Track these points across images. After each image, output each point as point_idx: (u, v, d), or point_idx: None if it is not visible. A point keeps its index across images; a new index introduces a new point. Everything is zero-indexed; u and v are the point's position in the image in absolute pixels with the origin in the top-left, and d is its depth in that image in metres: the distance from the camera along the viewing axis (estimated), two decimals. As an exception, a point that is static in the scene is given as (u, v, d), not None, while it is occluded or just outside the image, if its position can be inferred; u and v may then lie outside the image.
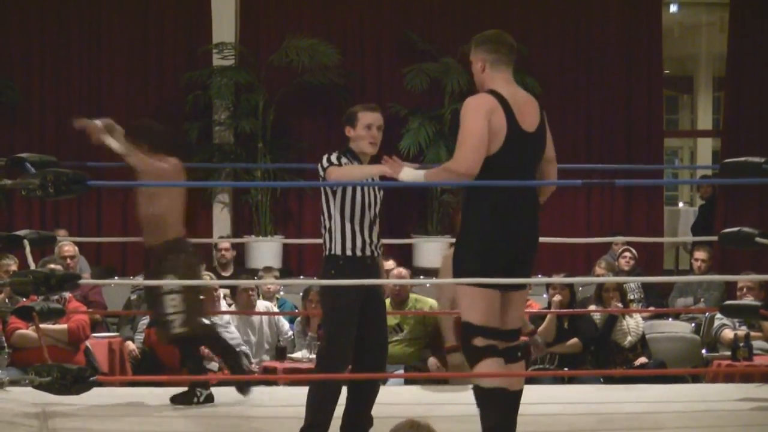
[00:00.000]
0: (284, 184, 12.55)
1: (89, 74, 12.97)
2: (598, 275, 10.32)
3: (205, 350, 8.37)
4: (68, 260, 9.79)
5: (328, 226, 5.76)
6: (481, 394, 5.17)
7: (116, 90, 12.94)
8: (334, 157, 5.75)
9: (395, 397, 6.67)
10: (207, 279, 9.25)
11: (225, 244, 11.27)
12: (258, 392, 7.48)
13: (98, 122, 6.83)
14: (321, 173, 5.76)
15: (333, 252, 5.74)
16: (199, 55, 12.76)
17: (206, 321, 7.12)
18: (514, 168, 5.12)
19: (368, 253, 5.77)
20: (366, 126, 5.75)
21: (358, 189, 5.73)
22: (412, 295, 9.21)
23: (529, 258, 5.23)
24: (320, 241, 5.84)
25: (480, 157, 5.02)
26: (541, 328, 8.79)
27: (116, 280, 11.53)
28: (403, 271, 9.63)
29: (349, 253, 5.73)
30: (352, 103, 12.83)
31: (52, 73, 12.95)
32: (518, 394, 5.27)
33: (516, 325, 5.30)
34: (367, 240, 5.76)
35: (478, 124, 5.02)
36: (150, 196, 6.84)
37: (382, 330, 5.94)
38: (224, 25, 12.86)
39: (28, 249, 6.62)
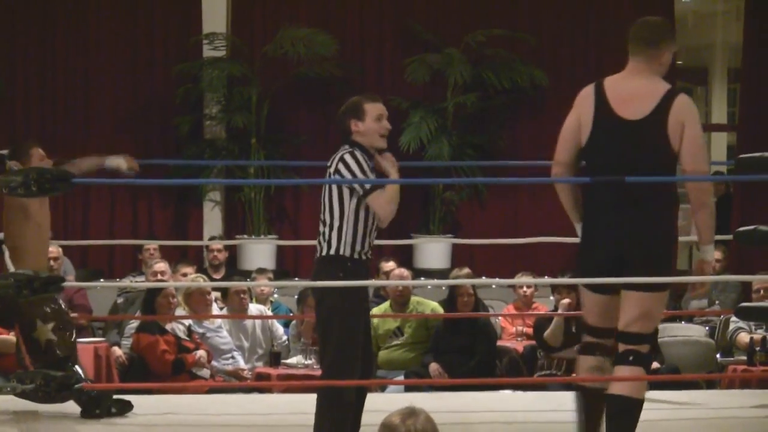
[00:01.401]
0: (281, 182, 12.35)
1: (75, 66, 12.79)
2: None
3: (195, 357, 8.21)
4: (52, 262, 9.50)
5: (337, 225, 5.48)
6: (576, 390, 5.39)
7: (104, 82, 12.76)
8: (354, 164, 5.46)
9: (394, 405, 6.44)
10: (201, 281, 9.16)
11: (217, 244, 11.15)
12: (251, 400, 7.58)
13: None
14: (342, 172, 5.48)
15: (341, 252, 5.48)
16: (190, 46, 12.57)
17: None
18: (606, 157, 5.14)
19: (370, 255, 5.59)
20: (376, 118, 5.54)
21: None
22: (414, 298, 9.36)
23: (620, 257, 5.09)
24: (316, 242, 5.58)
25: (563, 149, 5.27)
26: (547, 333, 8.77)
27: (102, 282, 11.36)
28: (404, 272, 9.65)
29: (356, 255, 5.49)
30: (351, 96, 12.69)
31: (37, 65, 12.76)
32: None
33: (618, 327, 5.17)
34: (371, 242, 5.57)
35: (569, 118, 5.26)
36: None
37: (369, 338, 5.78)
38: (215, 14, 12.62)
39: (7, 252, 6.54)
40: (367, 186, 5.44)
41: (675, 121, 5.05)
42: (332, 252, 5.48)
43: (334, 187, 5.49)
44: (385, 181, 5.59)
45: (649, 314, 5.12)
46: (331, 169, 5.51)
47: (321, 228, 5.53)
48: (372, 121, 5.53)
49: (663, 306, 5.23)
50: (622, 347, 5.13)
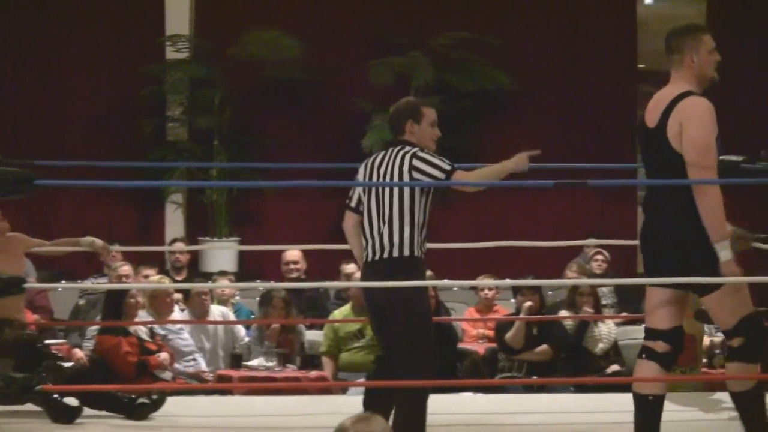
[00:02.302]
0: (247, 184, 12.26)
1: (41, 69, 12.73)
2: (569, 279, 10.10)
3: (159, 359, 8.16)
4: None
5: (408, 227, 5.46)
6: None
7: (69, 84, 12.71)
8: (430, 156, 5.53)
9: (356, 407, 6.47)
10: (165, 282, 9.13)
11: (179, 246, 11.13)
12: (213, 401, 7.55)
13: None
14: (422, 168, 5.48)
15: (415, 254, 5.47)
16: (155, 48, 12.49)
17: None
18: (644, 165, 5.35)
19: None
20: (431, 123, 5.68)
21: (434, 189, 5.57)
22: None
23: (649, 257, 5.25)
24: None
25: None
26: (509, 335, 8.73)
27: (63, 284, 11.26)
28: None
29: (421, 256, 5.52)
30: (317, 99, 12.64)
31: (3, 67, 12.69)
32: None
33: (657, 325, 5.30)
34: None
35: None
36: None
37: None
38: (179, 15, 12.59)
39: None
40: (447, 167, 5.45)
41: (674, 125, 5.10)
42: (406, 253, 5.45)
43: (405, 189, 5.46)
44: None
45: (659, 311, 5.26)
46: (405, 168, 5.47)
47: (381, 228, 5.48)
48: (427, 125, 5.67)
49: (676, 304, 5.27)
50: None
